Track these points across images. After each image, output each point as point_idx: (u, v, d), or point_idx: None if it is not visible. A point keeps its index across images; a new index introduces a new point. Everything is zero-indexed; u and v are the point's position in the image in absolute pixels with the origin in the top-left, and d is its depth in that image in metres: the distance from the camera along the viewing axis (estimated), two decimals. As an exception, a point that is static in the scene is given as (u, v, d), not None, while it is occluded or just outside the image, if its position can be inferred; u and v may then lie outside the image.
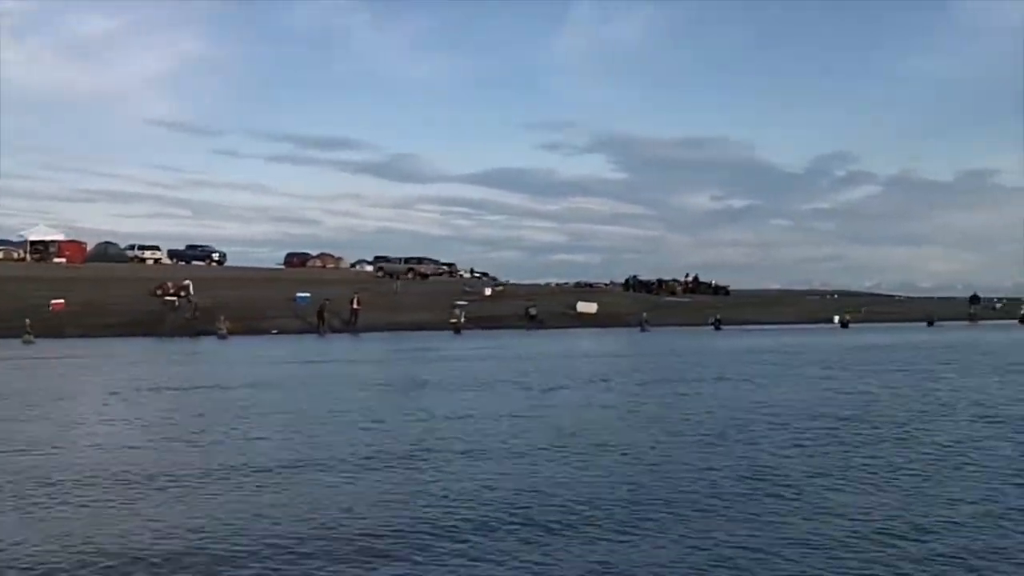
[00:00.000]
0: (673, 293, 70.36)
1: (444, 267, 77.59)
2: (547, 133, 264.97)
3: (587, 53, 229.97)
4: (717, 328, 47.25)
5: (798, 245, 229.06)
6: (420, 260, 67.85)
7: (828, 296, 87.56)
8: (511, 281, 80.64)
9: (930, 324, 54.89)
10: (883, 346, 33.23)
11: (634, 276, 76.26)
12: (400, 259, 67.07)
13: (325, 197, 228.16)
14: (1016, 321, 57.37)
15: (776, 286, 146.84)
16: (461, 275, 79.73)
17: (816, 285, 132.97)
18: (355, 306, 42.14)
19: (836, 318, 54.87)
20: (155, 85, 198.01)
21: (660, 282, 73.77)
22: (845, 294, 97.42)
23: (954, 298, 77.01)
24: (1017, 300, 67.60)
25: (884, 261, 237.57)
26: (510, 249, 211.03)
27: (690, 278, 78.26)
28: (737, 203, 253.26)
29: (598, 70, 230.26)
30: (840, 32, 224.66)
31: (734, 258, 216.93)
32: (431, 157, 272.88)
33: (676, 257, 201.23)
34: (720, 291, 77.12)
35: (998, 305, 67.59)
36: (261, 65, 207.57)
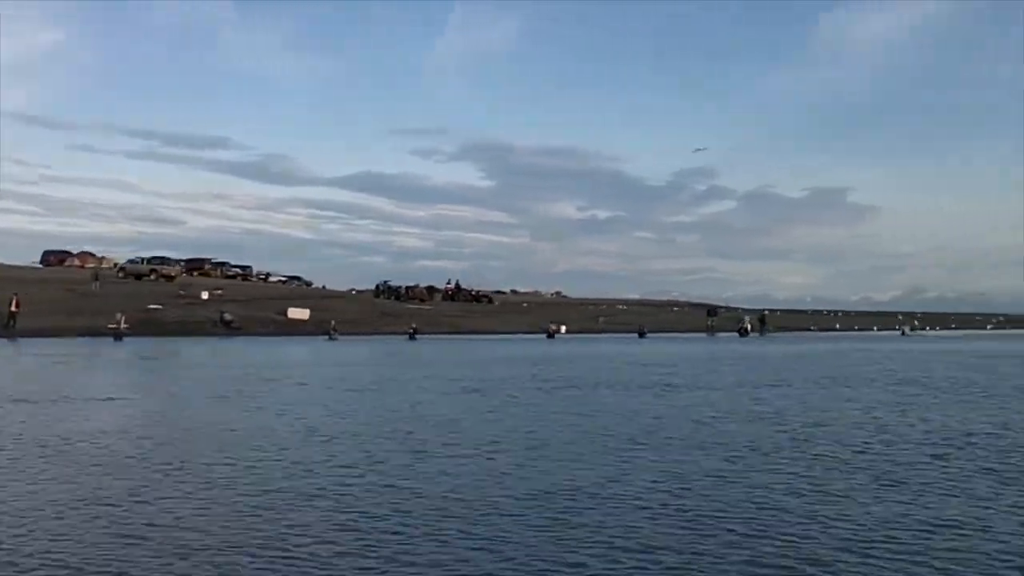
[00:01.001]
0: (422, 300, 69.46)
1: (237, 270, 75.66)
2: (419, 139, 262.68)
3: (461, 61, 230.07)
4: (412, 338, 44.95)
5: (661, 257, 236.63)
6: (163, 260, 64.43)
7: (596, 306, 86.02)
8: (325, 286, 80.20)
9: (641, 336, 54.31)
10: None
11: (385, 282, 75.17)
12: (142, 260, 63.61)
13: (190, 196, 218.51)
14: (736, 333, 58.00)
15: (636, 296, 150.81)
16: (260, 279, 76.60)
17: (677, 296, 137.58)
18: (13, 308, 40.12)
19: (552, 327, 53.46)
20: (6, 75, 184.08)
21: (408, 288, 72.68)
22: (650, 303, 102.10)
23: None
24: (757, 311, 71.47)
25: (742, 274, 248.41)
26: (378, 255, 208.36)
27: (451, 285, 77.92)
28: (602, 214, 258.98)
29: (471, 78, 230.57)
30: (703, 51, 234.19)
31: (598, 268, 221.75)
32: (302, 159, 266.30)
33: (542, 265, 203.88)
34: (482, 299, 77.16)
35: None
36: (122, 60, 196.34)
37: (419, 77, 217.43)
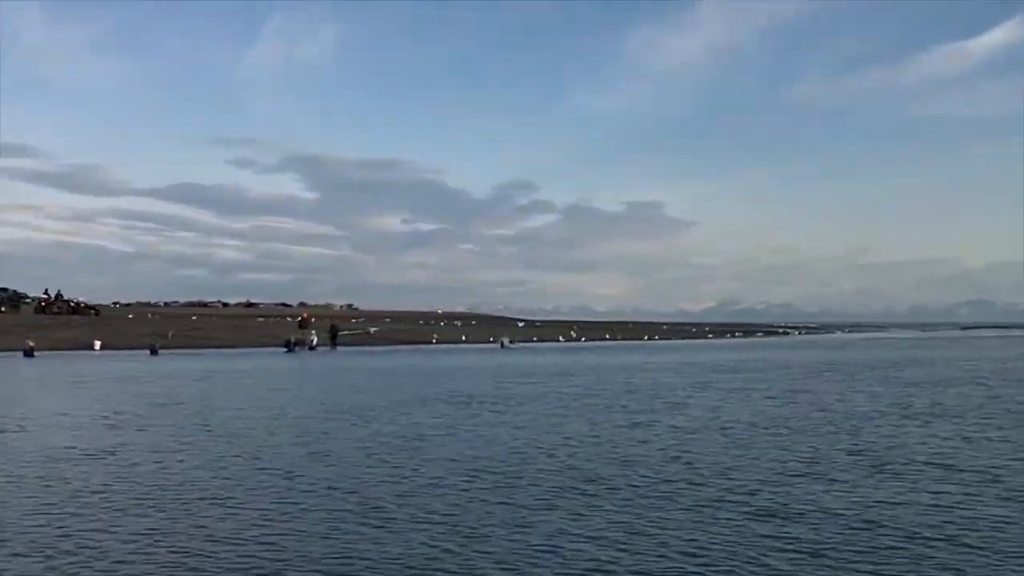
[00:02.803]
0: (16, 309, 68.30)
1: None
2: (236, 149, 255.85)
3: (277, 70, 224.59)
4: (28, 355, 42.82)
5: (483, 269, 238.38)
6: None
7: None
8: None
9: (289, 349, 50.59)
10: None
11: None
12: None
13: None
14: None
15: (462, 308, 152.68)
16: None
17: (500, 309, 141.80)
18: None
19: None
20: None
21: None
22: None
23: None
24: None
25: (562, 286, 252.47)
26: (199, 267, 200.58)
27: (47, 295, 74.53)
28: (426, 226, 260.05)
29: (288, 88, 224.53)
30: (526, 66, 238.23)
31: (423, 280, 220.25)
32: (114, 169, 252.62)
33: (367, 277, 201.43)
34: (89, 311, 74.44)
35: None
36: None
37: (234, 86, 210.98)
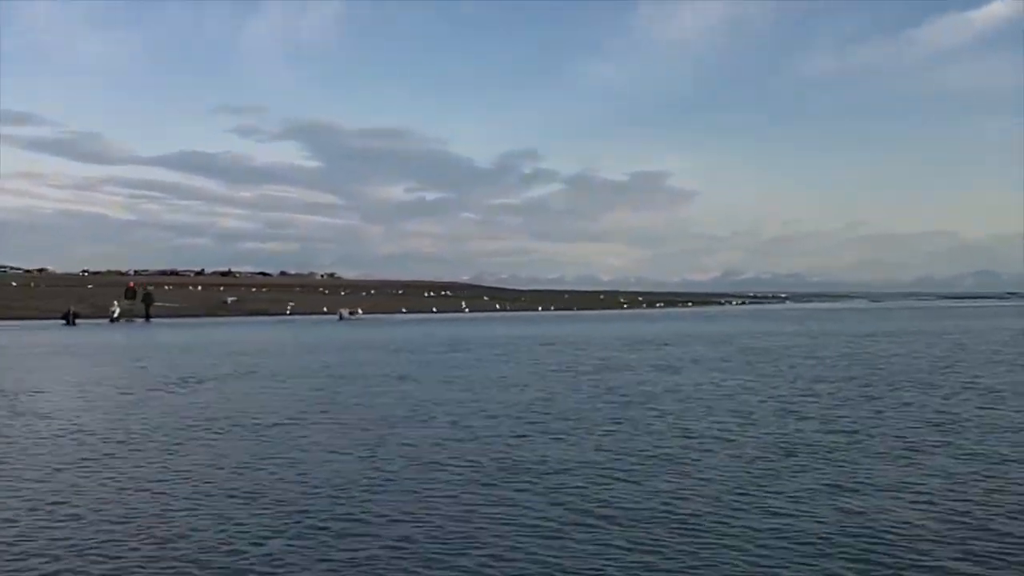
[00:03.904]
0: None
1: None
2: (240, 117, 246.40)
3: (281, 38, 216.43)
4: None
5: (486, 239, 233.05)
6: None
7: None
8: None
9: (68, 323, 41.10)
10: None
11: None
12: None
13: None
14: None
15: (466, 278, 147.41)
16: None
17: (505, 278, 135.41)
18: None
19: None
20: None
21: None
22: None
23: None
24: None
25: (567, 256, 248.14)
26: (203, 236, 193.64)
27: None
28: (430, 195, 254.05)
29: (292, 57, 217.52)
30: (529, 34, 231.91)
31: (426, 250, 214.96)
32: (117, 137, 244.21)
33: (371, 246, 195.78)
34: None
35: None
36: None
37: (238, 54, 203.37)
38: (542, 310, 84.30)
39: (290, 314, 61.46)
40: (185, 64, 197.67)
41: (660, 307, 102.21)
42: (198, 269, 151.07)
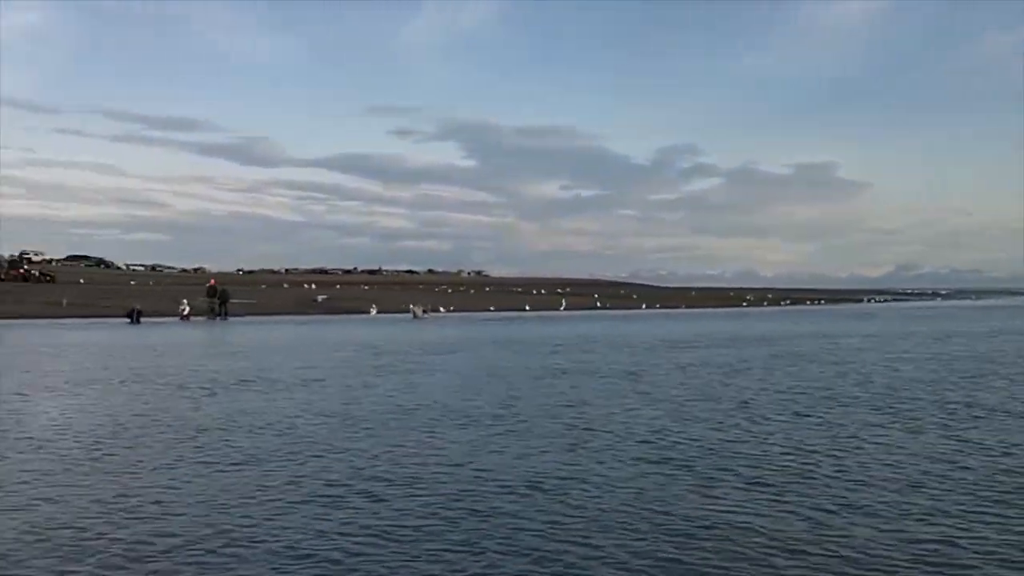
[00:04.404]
0: None
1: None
2: (397, 119, 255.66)
3: (437, 39, 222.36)
4: None
5: (644, 235, 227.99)
6: None
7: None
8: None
9: (132, 320, 42.08)
10: None
11: None
12: None
13: (174, 179, 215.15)
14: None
15: (624, 275, 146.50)
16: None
17: (663, 275, 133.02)
18: None
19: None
20: None
21: None
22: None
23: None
24: None
25: (726, 251, 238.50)
26: (363, 235, 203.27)
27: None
28: (585, 192, 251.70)
29: (448, 57, 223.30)
30: (684, 28, 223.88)
31: (582, 247, 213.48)
32: (281, 140, 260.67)
33: (526, 244, 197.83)
34: (39, 279, 69.62)
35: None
36: (100, 41, 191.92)
37: (395, 56, 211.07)
38: (645, 308, 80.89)
39: (377, 313, 61.94)
40: (346, 67, 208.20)
41: (785, 304, 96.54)
42: (348, 267, 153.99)
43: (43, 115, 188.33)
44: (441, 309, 59.79)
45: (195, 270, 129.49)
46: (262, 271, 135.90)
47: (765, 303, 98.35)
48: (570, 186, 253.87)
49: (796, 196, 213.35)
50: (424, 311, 54.28)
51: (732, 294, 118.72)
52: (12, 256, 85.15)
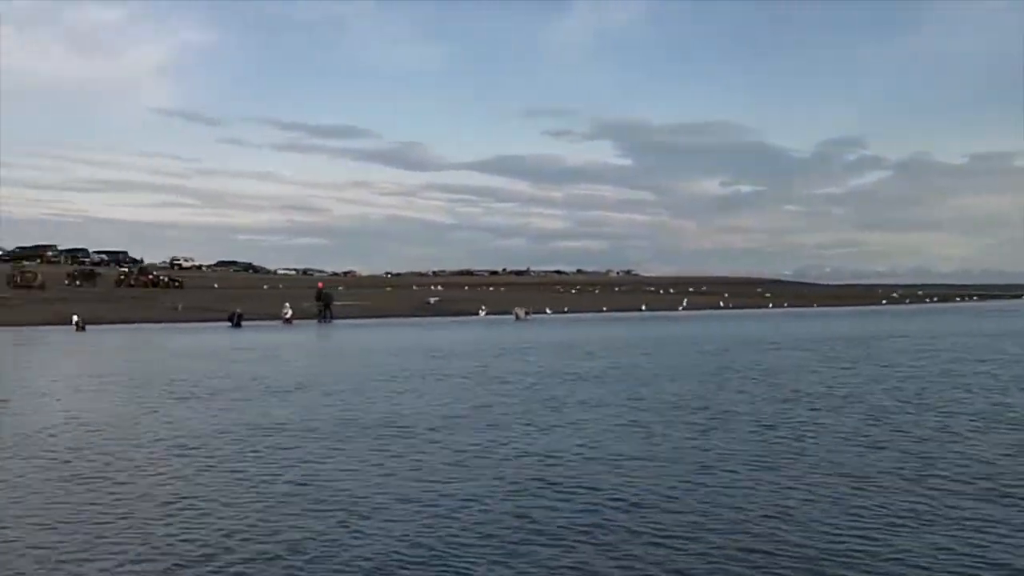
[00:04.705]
0: (91, 281, 63.43)
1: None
2: (551, 120, 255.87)
3: (588, 38, 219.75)
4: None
5: (808, 231, 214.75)
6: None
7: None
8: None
9: (234, 324, 42.92)
10: None
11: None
12: None
13: (333, 185, 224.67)
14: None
15: (788, 273, 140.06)
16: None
17: (828, 271, 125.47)
18: None
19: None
20: (157, 74, 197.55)
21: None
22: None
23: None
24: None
25: (896, 247, 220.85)
26: (518, 237, 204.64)
27: (132, 269, 72.49)
28: (745, 188, 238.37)
29: (599, 57, 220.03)
30: (844, 17, 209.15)
31: (743, 244, 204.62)
32: (435, 145, 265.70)
33: (683, 242, 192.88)
34: (168, 284, 68.84)
35: None
36: (262, 54, 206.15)
37: (546, 58, 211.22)
38: (772, 307, 76.10)
39: (486, 314, 60.97)
40: (497, 71, 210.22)
41: (932, 301, 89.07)
42: (496, 268, 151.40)
43: (208, 126, 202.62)
44: (547, 311, 58.20)
45: (346, 273, 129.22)
46: (409, 273, 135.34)
47: (908, 300, 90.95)
48: (729, 182, 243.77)
49: (972, 187, 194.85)
50: (527, 313, 52.92)
51: (880, 291, 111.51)
52: (163, 262, 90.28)
